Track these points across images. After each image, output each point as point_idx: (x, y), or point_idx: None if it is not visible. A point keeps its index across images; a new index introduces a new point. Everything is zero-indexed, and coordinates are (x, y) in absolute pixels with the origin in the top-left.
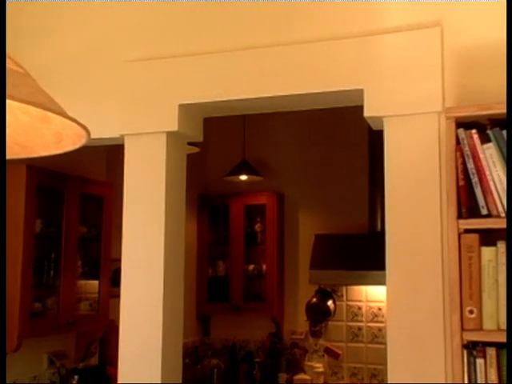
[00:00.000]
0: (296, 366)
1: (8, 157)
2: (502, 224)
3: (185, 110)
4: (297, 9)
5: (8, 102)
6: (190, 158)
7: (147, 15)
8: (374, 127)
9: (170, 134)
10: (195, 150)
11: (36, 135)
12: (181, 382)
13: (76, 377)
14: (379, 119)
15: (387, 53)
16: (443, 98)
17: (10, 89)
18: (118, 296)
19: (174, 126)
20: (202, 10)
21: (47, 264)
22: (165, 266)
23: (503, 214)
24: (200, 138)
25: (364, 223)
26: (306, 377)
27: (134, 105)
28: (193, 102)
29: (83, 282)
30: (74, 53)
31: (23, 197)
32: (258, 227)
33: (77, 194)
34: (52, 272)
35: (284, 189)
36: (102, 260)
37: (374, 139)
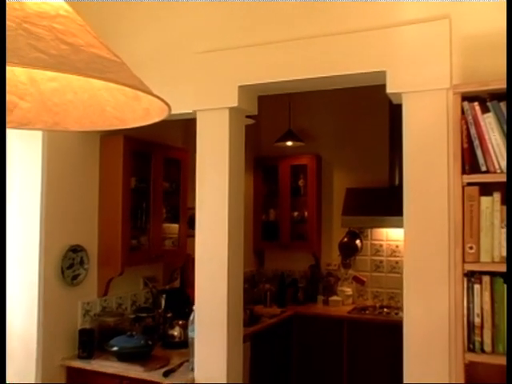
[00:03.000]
0: (330, 290)
1: (109, 128)
2: (498, 178)
3: (243, 90)
4: (332, 7)
5: (109, 84)
6: (247, 128)
7: (211, 16)
8: (394, 101)
9: (231, 109)
10: (251, 121)
11: (129, 111)
12: (242, 301)
13: (164, 295)
14: (398, 95)
15: (405, 41)
16: (451, 77)
17: (110, 74)
18: (193, 236)
19: (234, 103)
20: (255, 9)
21: (140, 211)
22: (228, 213)
23: (499, 171)
24: (255, 112)
25: (385, 179)
26: (338, 298)
27: (204, 87)
28: (249, 83)
29: (167, 225)
30: (157, 47)
31: (121, 160)
32: (301, 182)
33: (161, 158)
34: (144, 217)
35: (321, 152)
36: (181, 208)
37: (394, 111)
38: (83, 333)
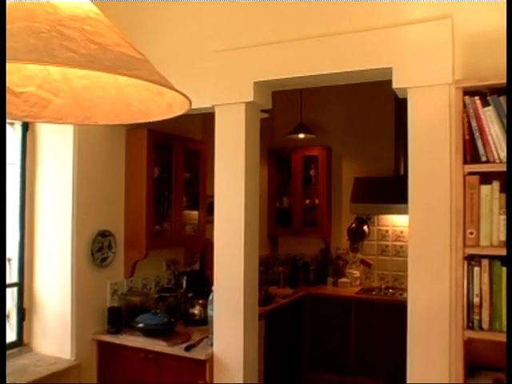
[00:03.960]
0: (339, 273)
1: (134, 121)
2: (497, 168)
3: (258, 85)
4: (341, 7)
5: (134, 80)
6: (262, 121)
7: (228, 16)
8: (400, 96)
9: (247, 104)
10: (266, 115)
11: (154, 105)
12: (257, 282)
13: (185, 277)
14: (404, 90)
15: (410, 39)
16: (453, 73)
17: (135, 71)
18: (211, 222)
19: (250, 98)
20: (269, 10)
21: (163, 199)
22: (245, 200)
23: (498, 161)
24: (269, 106)
25: (391, 168)
26: (347, 280)
27: (222, 83)
28: (264, 79)
29: (187, 211)
30: (178, 46)
31: (145, 152)
32: (312, 172)
33: (182, 149)
34: (166, 205)
35: (331, 143)
36: (200, 196)
37: (399, 105)
38: (112, 310)
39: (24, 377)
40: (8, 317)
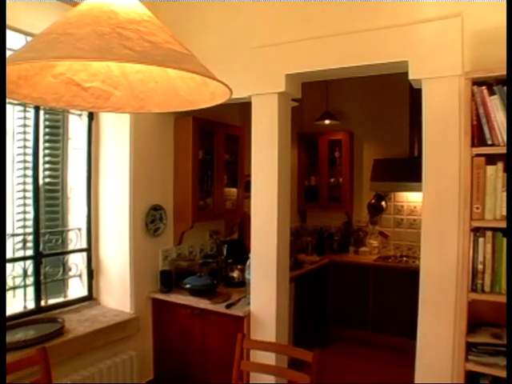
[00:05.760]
0: (360, 242)
1: (182, 109)
2: (501, 150)
3: (289, 77)
4: (362, 7)
5: (182, 73)
6: (293, 109)
7: (263, 17)
8: (415, 86)
9: (280, 94)
10: (296, 104)
11: (198, 94)
12: (288, 250)
13: (225, 245)
14: (419, 80)
15: (424, 36)
16: (463, 65)
17: (183, 64)
18: (248, 197)
19: (282, 88)
20: (298, 10)
21: (206, 178)
22: (278, 179)
23: (502, 144)
24: (299, 96)
25: (406, 151)
26: (366, 249)
27: (257, 75)
28: (295, 72)
29: (227, 189)
30: (220, 43)
31: (191, 137)
32: (336, 154)
33: (222, 134)
34: (209, 183)
35: (354, 129)
36: (239, 175)
37: (413, 94)
38: (163, 273)
39: (95, 324)
40: (80, 276)
